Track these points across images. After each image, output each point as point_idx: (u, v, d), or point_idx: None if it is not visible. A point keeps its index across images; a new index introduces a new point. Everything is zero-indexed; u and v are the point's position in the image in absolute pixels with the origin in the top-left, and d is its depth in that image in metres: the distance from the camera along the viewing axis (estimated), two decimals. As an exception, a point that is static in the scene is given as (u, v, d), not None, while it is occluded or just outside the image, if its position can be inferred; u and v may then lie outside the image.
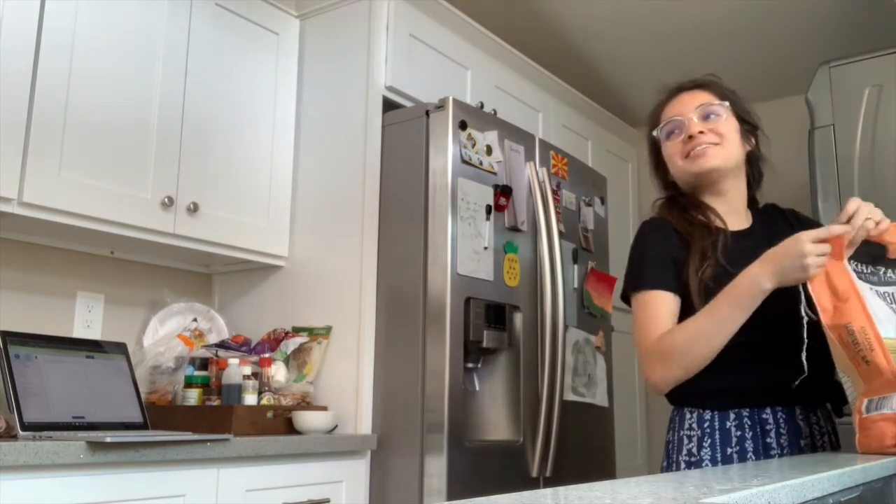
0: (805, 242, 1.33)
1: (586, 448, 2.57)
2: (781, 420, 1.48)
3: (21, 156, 1.81)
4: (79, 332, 2.21)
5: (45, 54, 1.88)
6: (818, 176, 2.59)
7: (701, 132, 1.57)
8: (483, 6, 2.96)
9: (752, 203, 1.71)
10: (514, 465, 2.26)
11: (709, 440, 1.49)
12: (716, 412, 1.50)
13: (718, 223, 1.59)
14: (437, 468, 2.04)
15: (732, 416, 1.49)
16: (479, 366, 2.32)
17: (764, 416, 1.48)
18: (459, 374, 2.12)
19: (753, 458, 1.45)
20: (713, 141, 1.57)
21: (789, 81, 3.34)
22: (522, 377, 2.34)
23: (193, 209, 2.16)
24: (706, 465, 1.48)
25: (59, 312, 2.19)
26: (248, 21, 2.41)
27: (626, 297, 1.63)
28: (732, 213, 1.62)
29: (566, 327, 2.45)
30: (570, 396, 2.46)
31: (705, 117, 1.59)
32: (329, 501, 2.01)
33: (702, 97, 1.62)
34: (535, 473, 2.29)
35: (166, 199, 2.09)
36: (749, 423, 1.48)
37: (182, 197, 2.14)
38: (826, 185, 2.56)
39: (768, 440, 1.47)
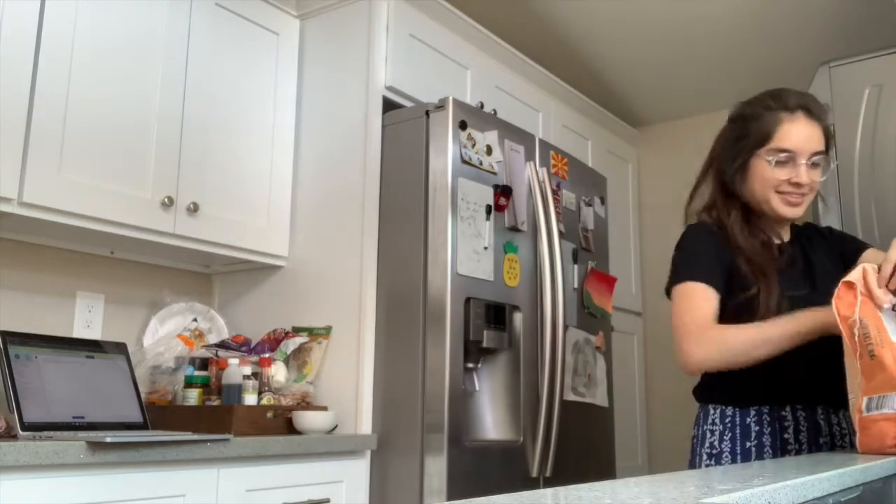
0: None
1: (586, 448, 2.57)
2: (801, 418, 1.55)
3: (21, 156, 1.81)
4: (79, 332, 2.21)
5: (45, 54, 1.88)
6: (818, 176, 2.58)
7: (806, 184, 1.57)
8: (483, 6, 2.96)
9: None
10: (514, 465, 2.26)
11: (729, 434, 1.57)
12: (737, 409, 1.58)
13: (776, 240, 1.65)
14: (437, 468, 2.04)
15: (753, 412, 1.57)
16: (479, 366, 2.32)
17: (783, 413, 1.56)
18: (459, 374, 2.12)
19: (770, 452, 1.53)
20: (806, 192, 1.59)
21: (789, 81, 3.32)
22: (522, 377, 2.34)
23: (193, 209, 2.16)
24: (726, 457, 1.56)
25: (59, 312, 2.19)
26: (248, 21, 2.41)
27: (668, 291, 1.65)
28: (780, 228, 1.68)
29: (566, 327, 2.45)
30: (570, 396, 2.46)
31: (814, 166, 1.59)
32: (329, 501, 2.01)
33: (817, 139, 1.59)
34: (535, 473, 2.29)
35: (166, 199, 2.09)
36: (768, 419, 1.55)
37: (182, 197, 2.14)
38: (826, 185, 2.56)
39: (786, 436, 1.54)
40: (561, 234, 2.50)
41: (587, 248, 2.71)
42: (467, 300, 2.17)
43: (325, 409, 2.20)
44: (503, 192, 2.34)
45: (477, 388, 2.32)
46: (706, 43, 3.26)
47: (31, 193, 1.82)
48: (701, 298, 1.55)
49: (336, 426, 2.15)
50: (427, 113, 2.27)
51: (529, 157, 2.50)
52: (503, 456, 2.25)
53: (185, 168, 2.17)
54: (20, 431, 1.65)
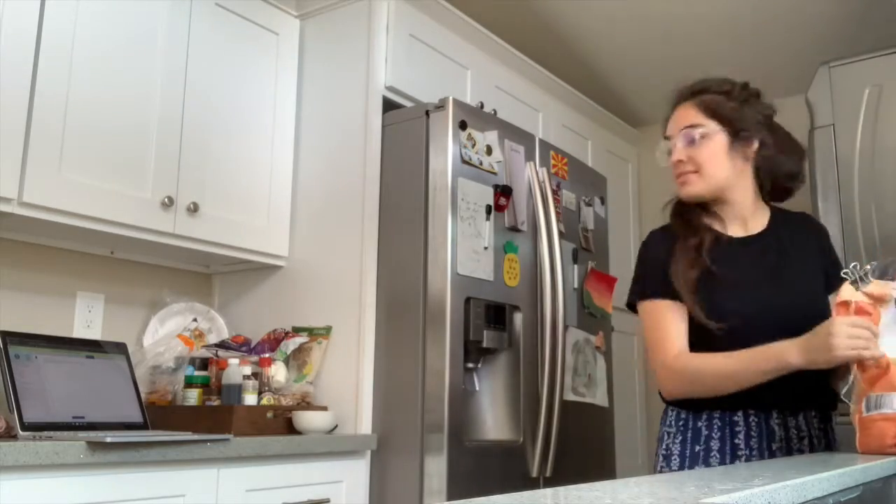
0: (838, 321, 1.34)
1: (586, 448, 2.57)
2: (753, 424, 1.55)
3: (21, 156, 1.81)
4: (79, 332, 2.21)
5: (45, 54, 1.88)
6: (818, 176, 2.59)
7: (681, 160, 1.61)
8: (483, 6, 2.96)
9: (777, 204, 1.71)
10: (514, 465, 2.26)
11: (680, 437, 1.59)
12: (691, 412, 1.60)
13: (717, 226, 1.63)
14: (437, 468, 2.04)
15: (704, 416, 1.58)
16: (479, 366, 2.32)
17: (735, 418, 1.55)
18: (459, 374, 2.12)
19: (718, 457, 1.54)
20: (691, 170, 1.60)
21: (789, 81, 3.33)
22: (522, 377, 2.34)
23: (193, 209, 2.16)
24: (675, 458, 1.59)
25: (59, 312, 2.19)
26: (248, 21, 2.41)
27: (631, 305, 1.68)
28: (737, 218, 1.64)
29: (566, 327, 2.45)
30: (570, 396, 2.46)
31: (689, 141, 1.60)
32: (329, 501, 2.01)
33: (688, 115, 1.63)
34: (535, 473, 2.29)
35: (166, 199, 2.09)
36: (719, 423, 1.56)
37: (182, 197, 2.14)
38: (826, 185, 2.56)
39: (736, 441, 1.54)
40: (561, 234, 2.50)
41: (587, 248, 2.71)
42: (467, 300, 2.17)
43: (325, 409, 2.20)
44: (503, 192, 2.34)
45: (477, 388, 2.32)
46: (706, 43, 3.26)
47: (31, 193, 1.82)
48: (666, 322, 1.57)
49: (336, 426, 2.15)
50: (427, 113, 2.27)
51: (529, 157, 2.50)
52: (503, 456, 2.25)
53: (185, 168, 2.17)
54: (20, 431, 1.65)
